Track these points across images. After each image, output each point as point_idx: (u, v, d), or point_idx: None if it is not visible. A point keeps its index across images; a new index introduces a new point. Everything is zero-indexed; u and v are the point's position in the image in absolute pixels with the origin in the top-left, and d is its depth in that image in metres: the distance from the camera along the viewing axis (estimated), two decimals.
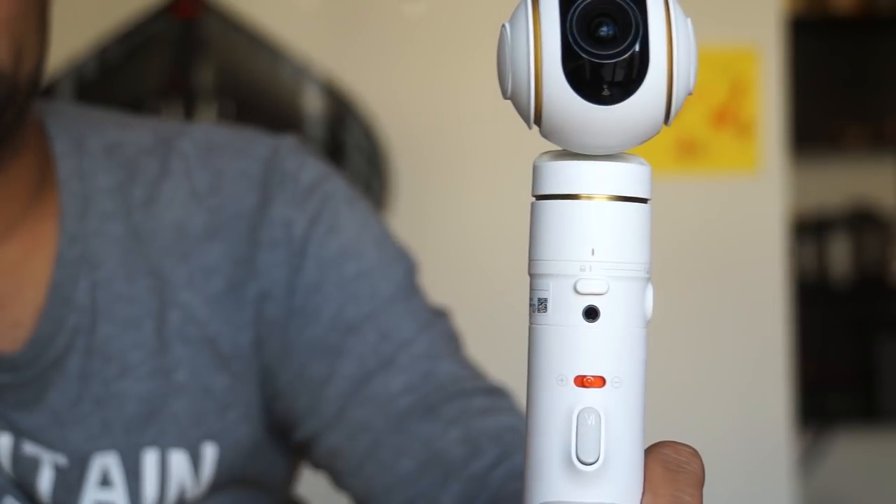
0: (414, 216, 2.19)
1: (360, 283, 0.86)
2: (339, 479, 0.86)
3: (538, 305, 0.50)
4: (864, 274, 3.80)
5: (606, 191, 0.49)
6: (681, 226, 2.21)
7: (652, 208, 0.50)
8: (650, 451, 0.51)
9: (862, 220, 3.83)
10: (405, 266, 0.88)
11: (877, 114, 3.86)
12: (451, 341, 0.87)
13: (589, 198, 0.49)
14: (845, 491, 3.73)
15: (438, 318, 0.88)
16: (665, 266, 2.20)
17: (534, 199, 0.50)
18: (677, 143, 2.22)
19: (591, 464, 0.48)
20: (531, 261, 0.50)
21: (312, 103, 2.19)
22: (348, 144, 2.19)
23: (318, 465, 0.88)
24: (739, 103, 2.22)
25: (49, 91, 2.11)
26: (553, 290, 0.49)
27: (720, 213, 2.24)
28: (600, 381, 0.48)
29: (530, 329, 0.50)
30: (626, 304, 0.49)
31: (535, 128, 0.50)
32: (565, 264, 0.49)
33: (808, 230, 3.77)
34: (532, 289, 0.50)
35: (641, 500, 0.50)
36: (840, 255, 3.82)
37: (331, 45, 2.21)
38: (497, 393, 0.85)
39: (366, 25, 2.21)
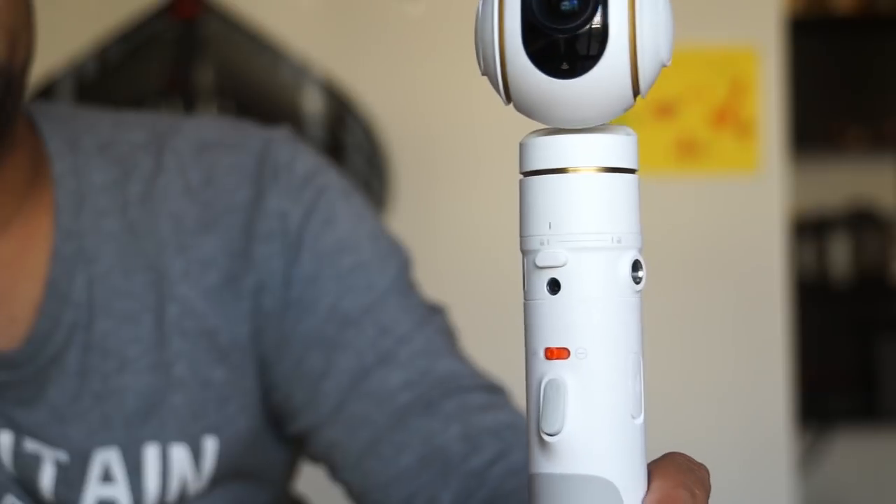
0: (414, 216, 2.19)
1: (357, 276, 0.86)
2: (336, 473, 0.86)
3: (523, 282, 0.50)
4: (864, 274, 3.79)
5: (562, 163, 0.49)
6: (681, 226, 2.21)
7: (633, 178, 0.50)
8: (664, 455, 0.52)
9: (862, 220, 3.83)
10: (400, 260, 0.88)
11: (877, 114, 3.85)
12: (449, 338, 0.87)
13: (548, 172, 0.49)
14: (845, 491, 3.73)
15: (435, 314, 0.88)
16: (665, 266, 2.20)
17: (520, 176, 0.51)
18: (677, 143, 2.22)
19: (553, 434, 0.48)
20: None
21: (312, 103, 2.19)
22: (348, 144, 2.19)
23: (315, 458, 0.88)
24: (739, 103, 2.22)
25: (49, 91, 2.11)
26: (526, 267, 0.50)
27: (720, 213, 2.24)
28: (565, 353, 0.49)
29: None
30: (589, 275, 0.49)
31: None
32: (529, 240, 0.50)
33: (808, 230, 3.77)
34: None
35: (650, 484, 0.50)
36: (840, 255, 3.82)
37: (331, 45, 2.20)
38: (495, 390, 0.86)
39: (366, 25, 2.21)
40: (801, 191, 3.55)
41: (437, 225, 2.21)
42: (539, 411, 0.48)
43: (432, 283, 0.95)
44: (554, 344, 0.49)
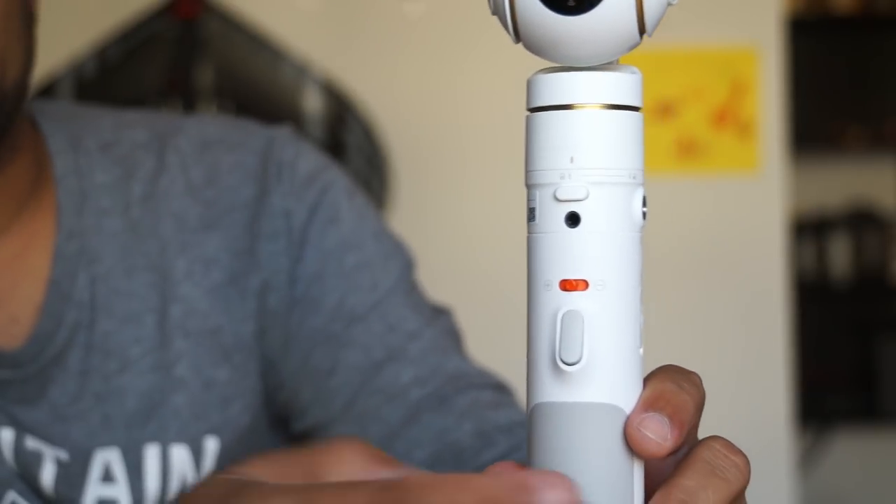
0: (414, 216, 2.19)
1: (361, 274, 0.86)
2: None
3: (529, 215, 0.51)
4: (864, 274, 3.80)
5: (582, 99, 0.50)
6: (681, 226, 2.21)
7: (641, 116, 0.51)
8: (658, 368, 0.53)
9: (862, 220, 3.83)
10: (404, 260, 0.89)
11: (877, 114, 3.85)
12: (455, 338, 0.87)
13: (566, 107, 0.50)
14: (845, 491, 3.73)
15: (441, 315, 0.88)
16: (665, 266, 2.20)
17: (527, 112, 0.51)
18: (677, 143, 2.22)
19: (573, 364, 0.49)
20: (525, 173, 0.51)
21: (312, 103, 2.19)
22: (348, 144, 2.19)
23: None
24: (739, 103, 2.23)
25: (49, 91, 2.11)
26: (539, 200, 0.50)
27: (720, 213, 2.24)
28: (583, 284, 0.49)
29: (526, 239, 0.51)
30: (608, 209, 0.50)
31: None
32: (547, 173, 0.50)
33: (808, 230, 3.77)
34: (526, 199, 0.51)
35: (644, 389, 0.51)
36: (840, 255, 3.82)
37: (331, 45, 2.21)
38: (503, 389, 0.86)
39: (366, 25, 2.21)
40: (801, 191, 3.55)
41: (437, 225, 2.22)
42: (557, 342, 0.49)
43: (432, 282, 0.95)
44: (572, 276, 0.49)
